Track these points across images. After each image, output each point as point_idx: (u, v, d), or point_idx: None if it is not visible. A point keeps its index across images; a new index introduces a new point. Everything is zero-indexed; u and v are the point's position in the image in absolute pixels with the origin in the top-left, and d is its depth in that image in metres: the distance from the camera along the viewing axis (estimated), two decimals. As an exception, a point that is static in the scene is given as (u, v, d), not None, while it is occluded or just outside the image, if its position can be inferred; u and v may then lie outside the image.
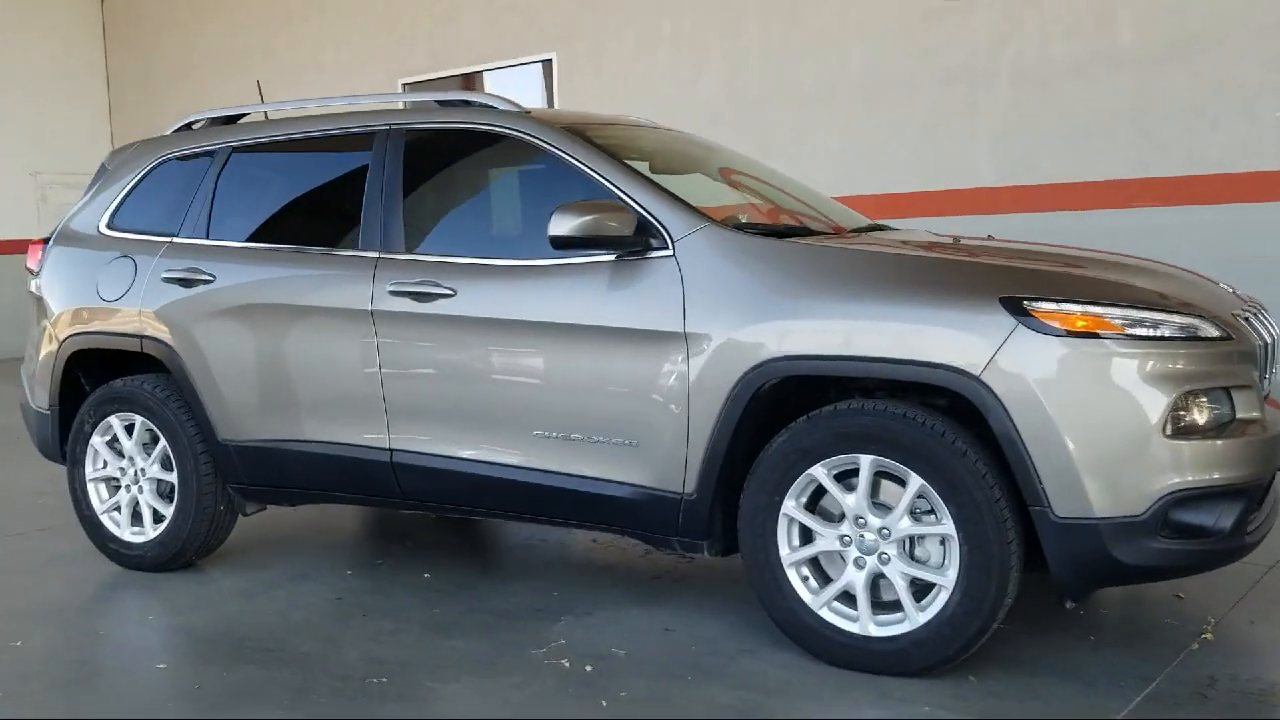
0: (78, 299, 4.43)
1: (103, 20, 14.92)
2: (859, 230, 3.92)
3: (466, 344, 3.60)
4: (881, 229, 4.01)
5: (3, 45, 13.94)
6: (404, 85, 11.50)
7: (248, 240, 4.13)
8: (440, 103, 4.02)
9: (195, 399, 4.11)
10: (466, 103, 3.96)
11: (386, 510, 5.03)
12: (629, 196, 3.43)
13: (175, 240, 4.27)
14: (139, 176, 4.50)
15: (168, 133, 4.63)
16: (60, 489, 5.86)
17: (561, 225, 3.29)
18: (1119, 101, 7.11)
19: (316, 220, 4.16)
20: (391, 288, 3.72)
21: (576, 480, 3.47)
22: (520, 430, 3.54)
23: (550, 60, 10.30)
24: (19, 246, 14.43)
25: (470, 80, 11.17)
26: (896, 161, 8.12)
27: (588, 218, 3.28)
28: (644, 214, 3.38)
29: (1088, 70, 7.21)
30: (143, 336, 4.22)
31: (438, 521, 5.00)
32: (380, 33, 11.60)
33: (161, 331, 4.17)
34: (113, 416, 4.33)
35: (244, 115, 4.60)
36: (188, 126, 4.63)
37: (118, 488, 4.42)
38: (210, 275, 4.09)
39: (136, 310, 4.23)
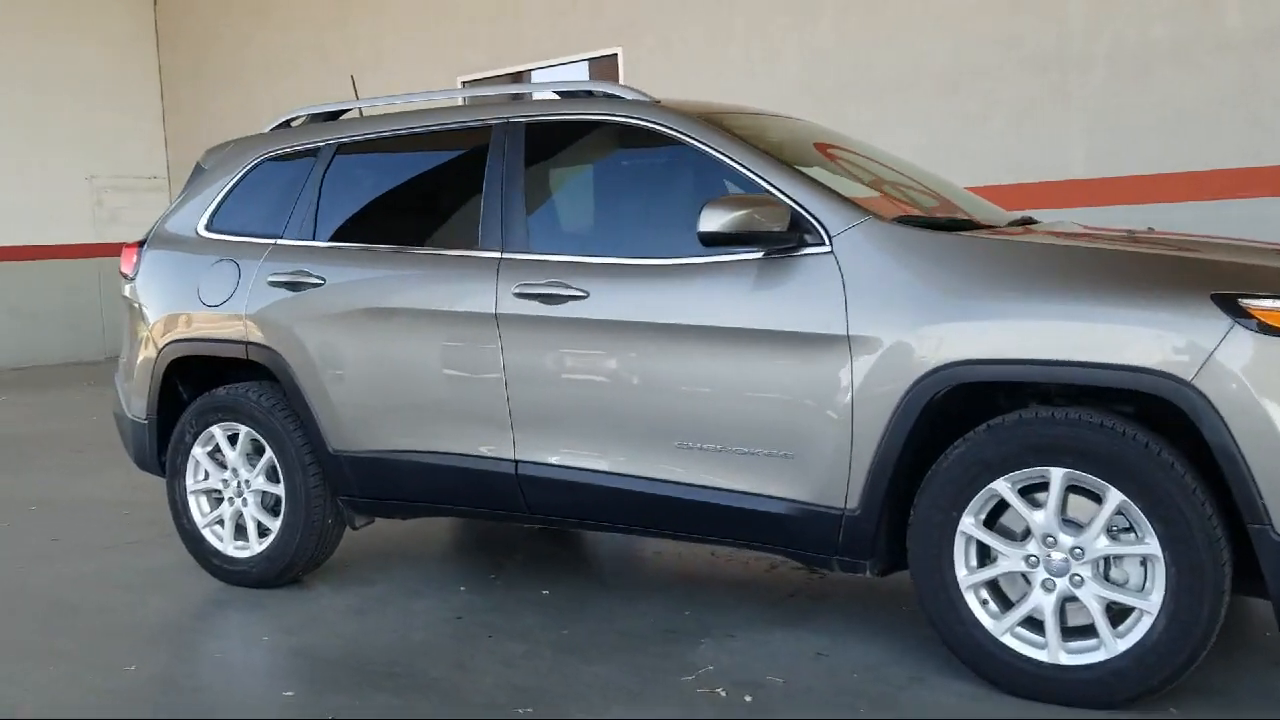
0: (177, 304, 4.26)
1: (155, 21, 14.86)
2: (1013, 223, 3.67)
3: (601, 349, 3.39)
4: (1030, 222, 3.76)
5: (56, 49, 13.91)
6: (463, 83, 11.34)
7: (358, 241, 3.94)
8: (561, 93, 3.81)
9: (304, 408, 3.92)
10: (589, 93, 3.74)
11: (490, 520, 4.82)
12: (780, 190, 3.21)
13: (280, 242, 4.09)
14: (238, 176, 4.32)
15: (266, 130, 4.46)
16: (142, 499, 5.74)
17: (712, 221, 3.07)
18: (1225, 87, 6.80)
19: (431, 219, 3.96)
20: (517, 290, 3.51)
21: (724, 495, 3.24)
22: (661, 441, 3.33)
23: (615, 55, 10.08)
24: (75, 251, 14.42)
25: (527, 78, 10.99)
26: (981, 154, 7.84)
27: (740, 213, 3.06)
28: (797, 208, 3.15)
29: (1190, 54, 6.91)
30: (248, 343, 4.03)
31: (543, 532, 4.79)
32: (440, 30, 11.43)
33: (268, 337, 3.98)
34: (215, 426, 4.16)
35: (345, 111, 4.41)
36: (287, 124, 4.45)
37: (220, 500, 4.24)
38: (319, 278, 3.90)
39: (241, 315, 4.05)
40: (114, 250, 14.85)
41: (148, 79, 14.85)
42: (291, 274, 3.97)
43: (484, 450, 3.61)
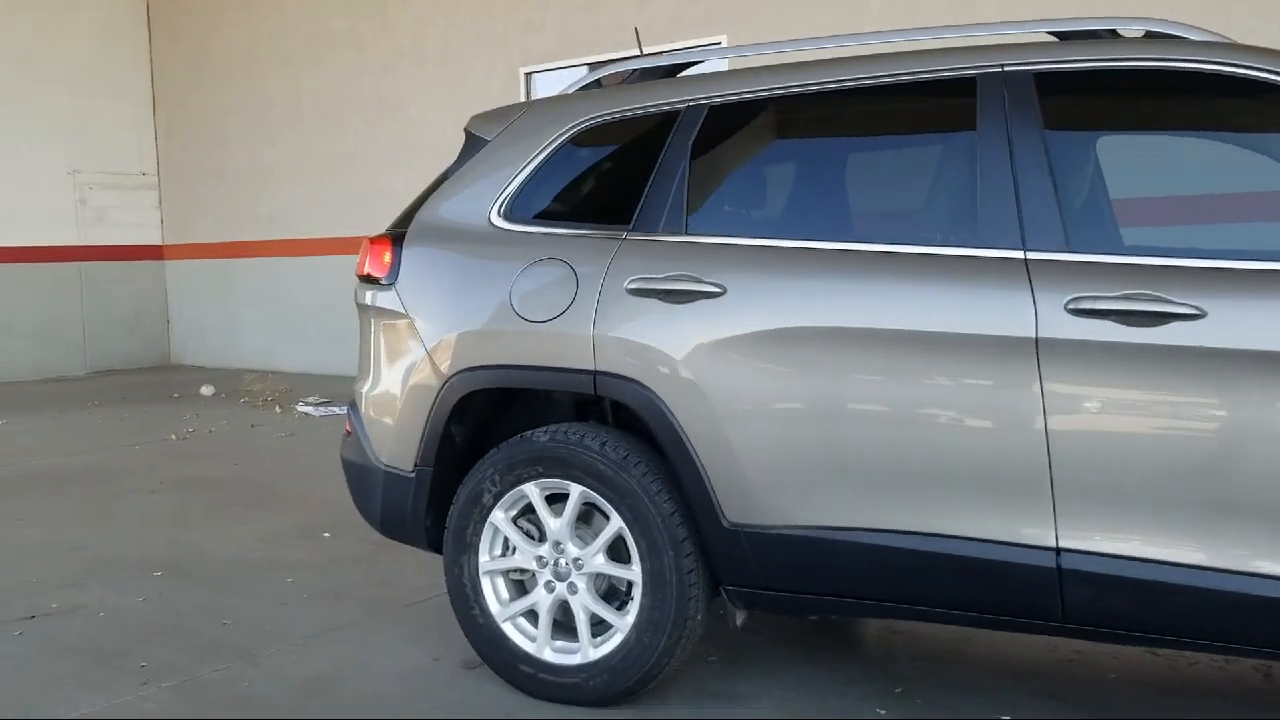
0: (474, 318, 3.14)
1: (147, 6, 13.46)
2: None
3: (1225, 394, 2.37)
4: None
5: (40, 34, 12.46)
6: (526, 74, 10.24)
7: (764, 236, 2.87)
8: (1058, 34, 2.80)
9: (687, 463, 2.84)
10: (1113, 32, 2.74)
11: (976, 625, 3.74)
12: None
13: (632, 236, 3.00)
14: (548, 148, 3.22)
15: (570, 91, 3.37)
16: (292, 557, 4.56)
17: None
18: None
19: (882, 205, 2.91)
20: (1074, 304, 2.48)
21: None
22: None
23: (719, 44, 9.07)
24: (56, 254, 12.91)
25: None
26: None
27: None
28: None
29: None
30: (597, 373, 2.94)
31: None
32: (495, 15, 10.32)
33: (632, 365, 2.89)
34: (530, 484, 3.05)
35: (689, 65, 3.35)
36: (596, 84, 3.37)
37: (529, 584, 3.14)
38: (717, 285, 2.82)
39: (587, 335, 2.95)
40: (98, 253, 13.42)
41: (137, 66, 13.45)
42: (669, 280, 2.89)
43: (998, 532, 2.57)
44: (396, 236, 3.37)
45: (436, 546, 3.34)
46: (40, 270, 12.69)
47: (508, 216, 3.21)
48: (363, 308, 3.46)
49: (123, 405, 9.66)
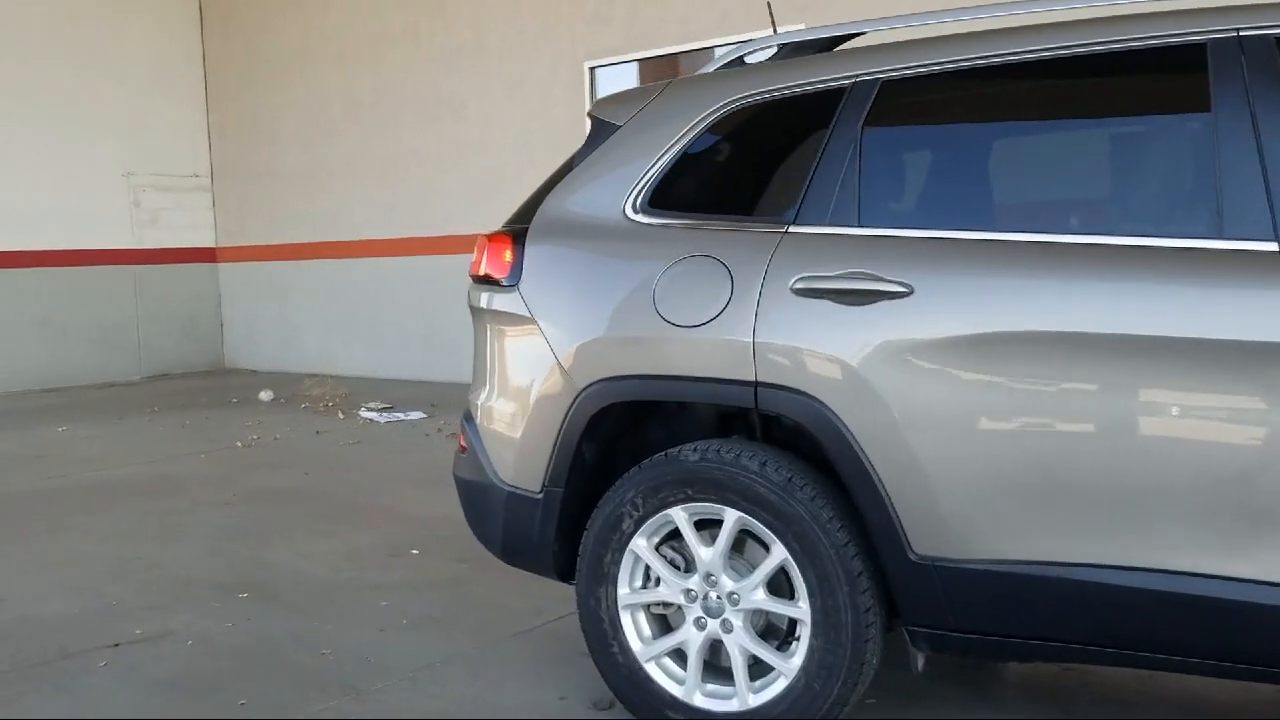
0: (612, 323, 2.82)
1: (200, 4, 13.28)
2: None
3: None
4: None
5: (93, 34, 12.30)
6: (591, 69, 9.93)
7: (958, 227, 2.52)
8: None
9: (867, 487, 2.50)
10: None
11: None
12: None
13: (796, 229, 2.66)
14: (689, 133, 2.89)
15: (710, 71, 3.05)
16: (383, 578, 4.20)
17: None
18: None
19: (1099, 191, 2.54)
20: (1341, 304, 2.12)
21: None
22: None
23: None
24: (111, 256, 12.73)
25: (673, 64, 9.61)
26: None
27: None
28: None
29: None
30: (759, 384, 2.60)
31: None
32: (563, 8, 10.01)
33: (800, 375, 2.56)
34: (678, 508, 2.72)
35: (851, 36, 3.01)
36: (738, 62, 3.04)
37: (673, 619, 2.81)
38: (902, 285, 2.48)
39: (746, 341, 2.62)
40: (152, 256, 13.24)
41: (190, 65, 13.28)
42: (843, 278, 2.55)
43: (1255, 571, 2.21)
44: (517, 233, 3.06)
45: (565, 575, 3.03)
46: (95, 273, 12.54)
47: (645, 209, 2.88)
48: (478, 311, 3.15)
49: (182, 411, 9.45)
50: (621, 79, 10.01)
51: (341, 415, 8.86)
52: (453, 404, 9.17)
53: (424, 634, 3.73)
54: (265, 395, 10.21)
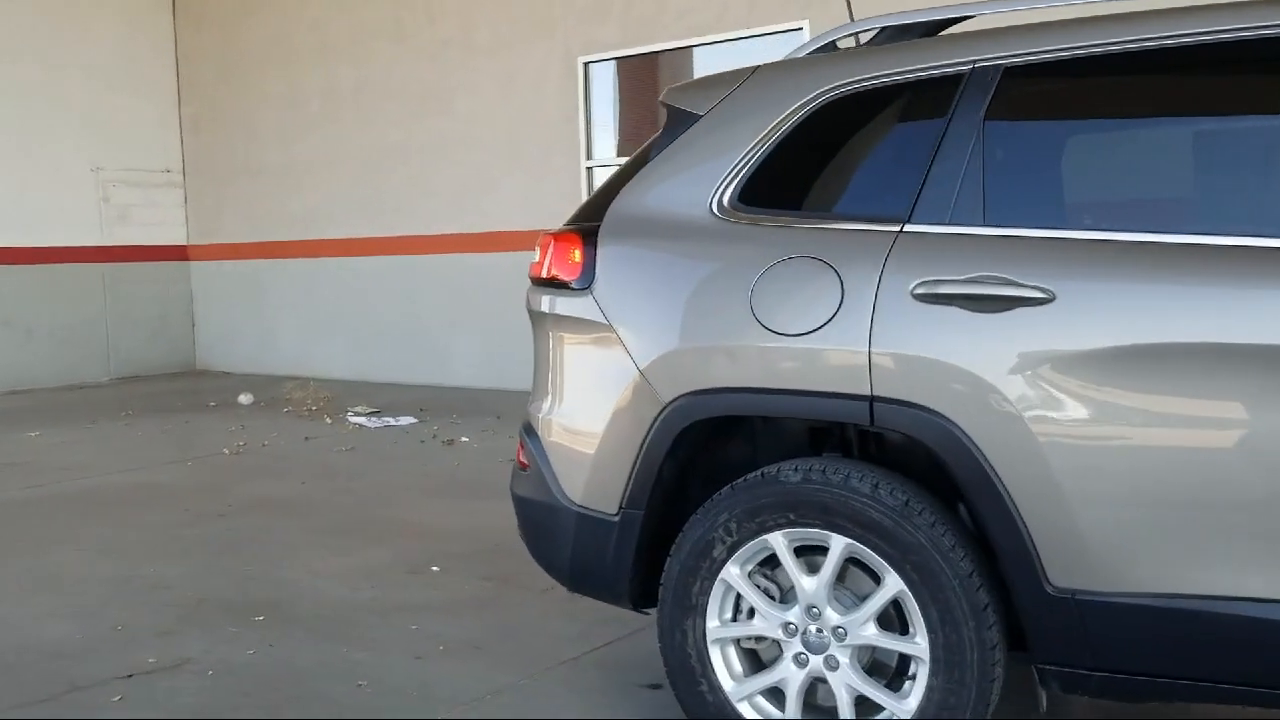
0: (704, 330, 2.59)
1: (173, -5, 12.88)
2: None
3: None
4: None
5: (60, 24, 11.86)
6: (585, 64, 9.68)
7: (1096, 226, 2.31)
8: None
9: (999, 511, 2.28)
10: None
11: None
12: None
13: (911, 228, 2.43)
14: (785, 124, 2.65)
15: (802, 55, 2.81)
16: (405, 599, 3.82)
17: None
18: None
19: (1268, 189, 2.32)
20: None
21: None
22: None
23: (800, 29, 8.51)
24: (78, 254, 12.28)
25: (670, 60, 9.39)
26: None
27: None
28: None
29: None
30: (874, 398, 2.37)
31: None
32: (555, 1, 9.73)
33: (923, 389, 2.33)
34: (777, 533, 2.49)
35: (959, 20, 2.79)
36: (830, 46, 2.81)
37: (764, 654, 2.57)
38: (1041, 290, 2.26)
39: (860, 351, 2.39)
40: (121, 254, 12.78)
41: (161, 58, 12.86)
42: (972, 283, 2.32)
43: None
44: (587, 232, 2.81)
45: (639, 604, 2.79)
46: (61, 272, 12.09)
47: (736, 206, 2.64)
48: (541, 316, 2.90)
49: (158, 415, 9.08)
50: (616, 75, 9.77)
51: (329, 420, 8.54)
52: (442, 409, 8.89)
53: (465, 662, 3.46)
54: (245, 398, 9.85)
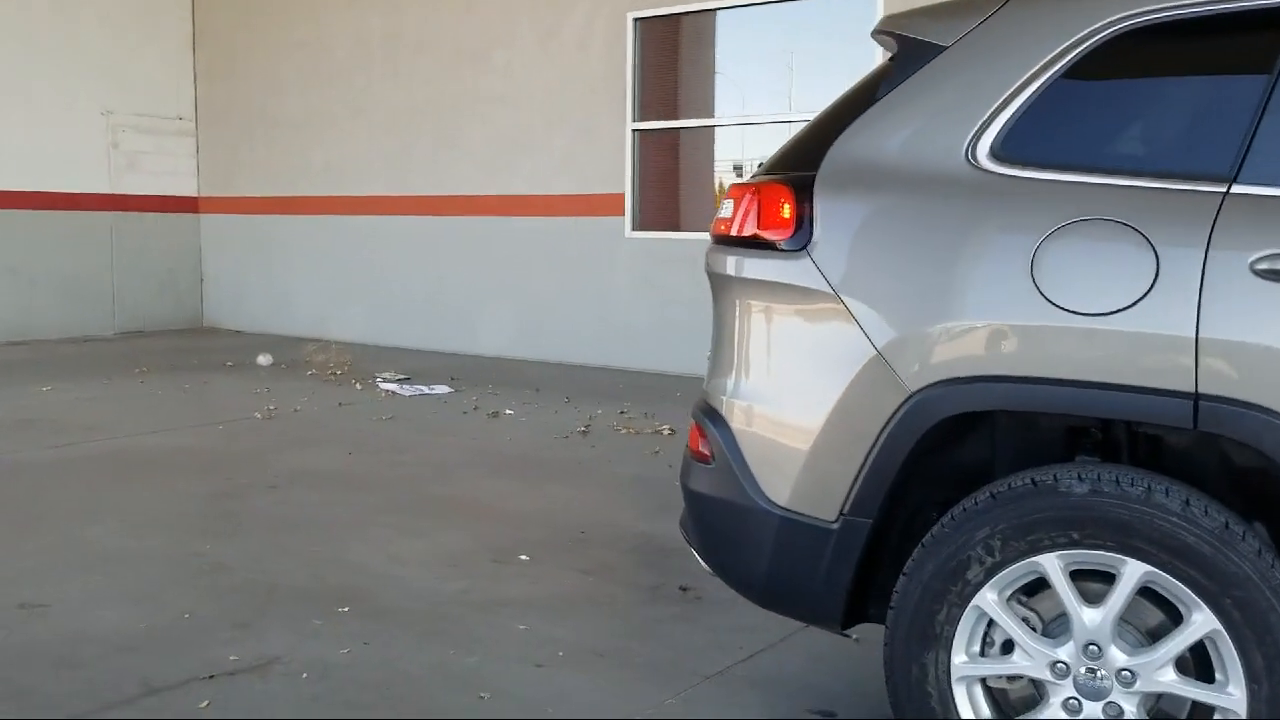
0: (966, 305, 2.14)
1: (188, -68, 12.28)
2: None
3: None
4: None
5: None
6: (635, 20, 9.18)
7: None
8: None
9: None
10: None
11: None
12: None
13: (1240, 189, 1.99)
14: (1061, 60, 2.20)
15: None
16: (501, 592, 3.27)
17: None
18: None
19: None
20: None
21: None
22: None
23: (874, -4, 8.03)
24: (86, 201, 11.68)
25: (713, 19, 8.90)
26: None
27: None
28: None
29: None
30: (1200, 396, 1.94)
31: None
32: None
33: (1273, 390, 1.89)
34: (1052, 554, 2.05)
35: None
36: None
37: (1012, 694, 2.15)
38: None
39: (1184, 338, 1.95)
40: (130, 203, 12.19)
41: (176, 1, 12.26)
42: (1338, 258, 1.88)
43: None
44: (800, 182, 2.35)
45: (848, 625, 2.35)
46: (68, 219, 11.55)
47: (1002, 155, 2.19)
48: (731, 281, 2.45)
49: (174, 373, 8.60)
50: (668, 33, 9.28)
51: (358, 386, 8.07)
52: (475, 378, 8.44)
53: (592, 672, 3.03)
54: (264, 359, 9.37)
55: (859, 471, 2.22)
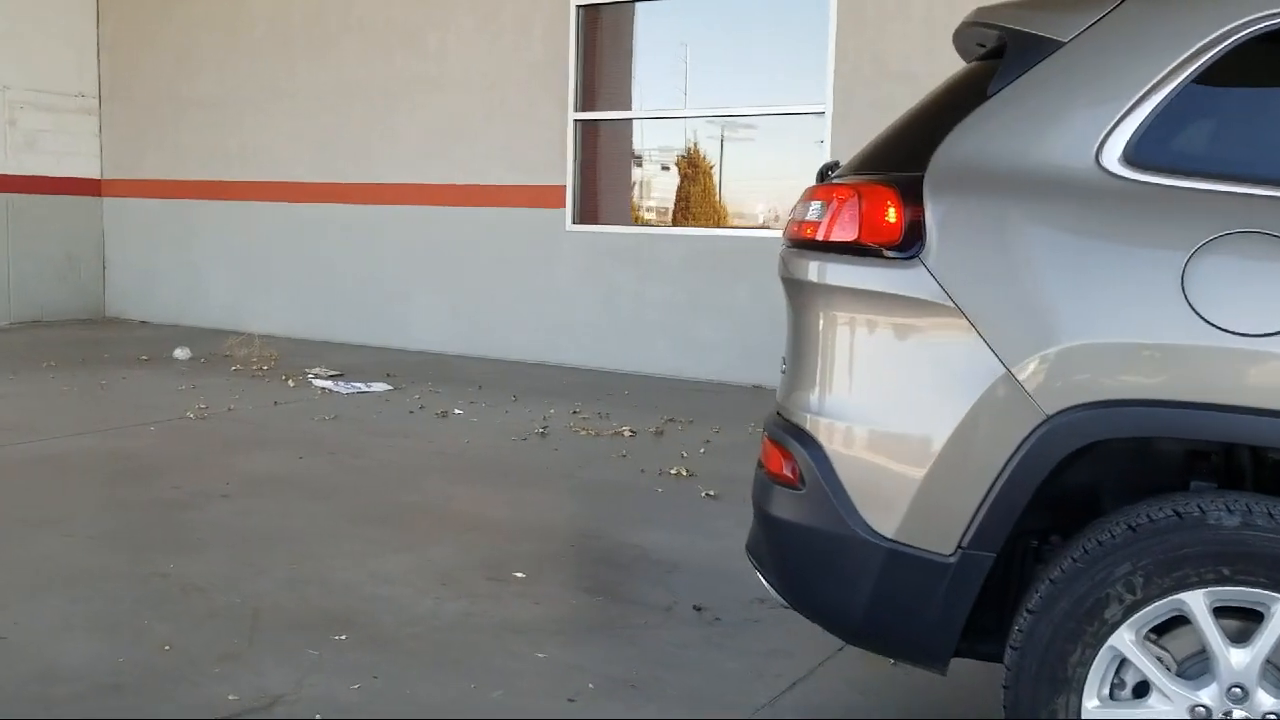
0: (1109, 322, 1.97)
1: (93, -104, 11.59)
2: None
3: None
4: None
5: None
6: (579, 7, 8.92)
7: None
8: None
9: None
10: None
11: None
12: None
13: (1405, 202, 1.87)
14: (1199, 58, 2.05)
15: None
16: (505, 614, 2.97)
17: None
18: None
19: None
20: None
21: None
22: None
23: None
24: (-15, 183, 10.97)
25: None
26: None
27: None
28: None
29: None
30: (1372, 423, 1.81)
31: None
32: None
33: None
34: (1198, 592, 1.91)
35: None
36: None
37: (1157, 742, 2.00)
38: None
39: (1356, 362, 1.82)
40: (27, 185, 11.48)
41: (78, -34, 11.58)
42: None
43: None
44: (906, 183, 2.16)
45: (947, 660, 2.18)
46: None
47: (1135, 161, 2.03)
48: (818, 289, 2.26)
49: (86, 368, 8.07)
50: (612, 21, 9.04)
51: (290, 383, 7.66)
52: (411, 374, 8.10)
53: (631, 707, 2.81)
54: (181, 353, 8.87)
55: (983, 501, 2.04)
